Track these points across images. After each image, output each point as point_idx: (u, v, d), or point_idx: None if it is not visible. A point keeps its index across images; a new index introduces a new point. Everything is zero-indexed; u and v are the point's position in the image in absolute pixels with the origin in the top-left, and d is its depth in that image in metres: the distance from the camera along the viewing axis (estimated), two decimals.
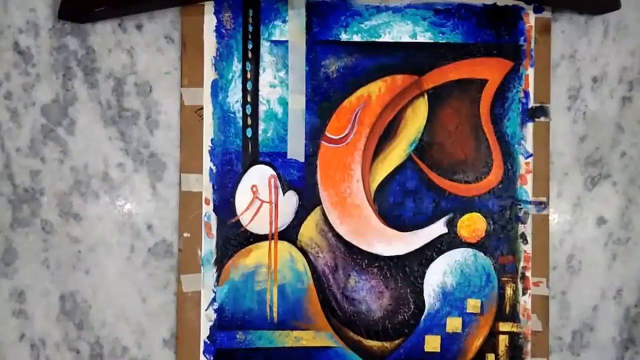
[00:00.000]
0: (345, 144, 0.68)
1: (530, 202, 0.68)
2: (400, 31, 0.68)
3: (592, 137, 0.70)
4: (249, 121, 0.67)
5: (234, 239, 0.67)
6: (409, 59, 0.67)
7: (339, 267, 0.68)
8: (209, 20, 0.66)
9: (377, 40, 0.67)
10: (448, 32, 0.68)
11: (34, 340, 0.67)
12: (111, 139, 0.67)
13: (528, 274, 0.68)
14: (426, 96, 0.68)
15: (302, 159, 0.67)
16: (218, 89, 0.67)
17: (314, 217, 0.67)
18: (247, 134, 0.67)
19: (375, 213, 0.68)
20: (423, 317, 0.68)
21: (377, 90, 0.67)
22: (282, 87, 0.67)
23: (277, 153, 0.67)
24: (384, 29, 0.67)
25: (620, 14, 0.69)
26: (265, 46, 0.67)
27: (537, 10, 0.68)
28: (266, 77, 0.67)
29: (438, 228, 0.68)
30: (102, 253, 0.67)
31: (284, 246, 0.67)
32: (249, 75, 0.67)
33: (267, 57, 0.67)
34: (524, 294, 0.68)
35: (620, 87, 0.70)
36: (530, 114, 0.68)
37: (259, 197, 0.67)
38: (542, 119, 0.68)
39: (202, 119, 0.66)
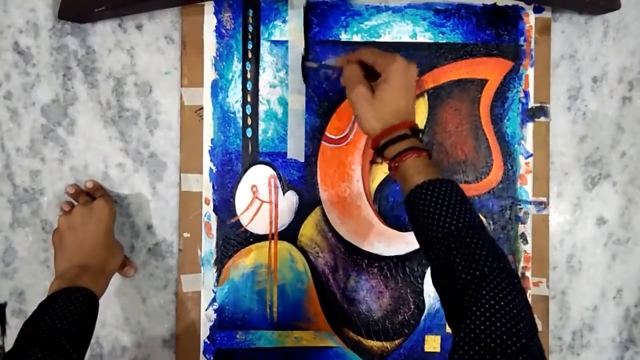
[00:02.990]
0: (345, 144, 0.68)
1: (530, 202, 0.68)
2: (400, 31, 0.68)
3: (592, 137, 0.70)
4: (249, 121, 0.67)
5: (234, 239, 0.67)
6: (409, 59, 0.67)
7: (339, 267, 0.68)
8: (209, 20, 0.66)
9: (377, 40, 0.67)
10: (448, 32, 0.68)
11: None
12: (111, 139, 0.67)
13: (528, 274, 0.68)
14: (426, 96, 0.68)
15: (302, 159, 0.67)
16: (218, 89, 0.67)
17: (314, 217, 0.67)
18: (247, 134, 0.67)
19: (375, 213, 0.68)
20: (423, 317, 0.68)
21: None
22: (282, 87, 0.67)
23: (277, 153, 0.67)
24: (384, 29, 0.67)
25: (620, 14, 0.69)
26: (265, 46, 0.67)
27: (537, 10, 0.68)
28: (266, 77, 0.67)
29: None
30: None
31: (284, 246, 0.67)
32: (249, 75, 0.67)
33: (267, 57, 0.67)
34: None
35: (620, 87, 0.70)
36: (530, 114, 0.68)
37: (259, 197, 0.67)
38: (542, 119, 0.68)
39: (202, 119, 0.66)
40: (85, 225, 0.60)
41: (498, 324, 0.40)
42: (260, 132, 0.67)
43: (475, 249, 0.45)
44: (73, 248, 0.59)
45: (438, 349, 0.68)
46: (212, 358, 0.66)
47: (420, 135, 0.55)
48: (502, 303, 0.41)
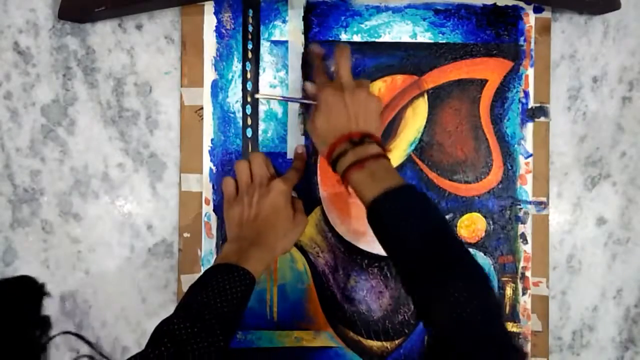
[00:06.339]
0: None
1: (530, 202, 0.68)
2: (400, 31, 0.68)
3: (592, 137, 0.70)
4: (249, 121, 0.67)
5: None
6: (409, 59, 0.67)
7: (339, 267, 0.68)
8: (209, 20, 0.66)
9: (377, 40, 0.67)
10: (448, 32, 0.68)
11: None
12: (111, 139, 0.67)
13: (528, 274, 0.68)
14: (426, 96, 0.68)
15: None
16: (218, 89, 0.67)
17: (314, 217, 0.67)
18: (247, 134, 0.67)
19: None
20: None
21: (377, 91, 0.67)
22: (282, 87, 0.67)
23: (277, 153, 0.67)
24: (384, 29, 0.67)
25: (620, 14, 0.69)
26: (265, 46, 0.67)
27: (537, 10, 0.68)
28: (266, 77, 0.67)
29: None
30: (102, 253, 0.67)
31: None
32: (249, 75, 0.67)
33: (267, 57, 0.67)
34: (524, 294, 0.68)
35: (620, 87, 0.70)
36: (530, 114, 0.68)
37: None
38: (542, 119, 0.68)
39: (202, 119, 0.66)
40: (263, 205, 0.59)
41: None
42: (260, 132, 0.67)
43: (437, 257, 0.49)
44: (251, 224, 0.59)
45: None
46: None
47: (368, 139, 0.55)
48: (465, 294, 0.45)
